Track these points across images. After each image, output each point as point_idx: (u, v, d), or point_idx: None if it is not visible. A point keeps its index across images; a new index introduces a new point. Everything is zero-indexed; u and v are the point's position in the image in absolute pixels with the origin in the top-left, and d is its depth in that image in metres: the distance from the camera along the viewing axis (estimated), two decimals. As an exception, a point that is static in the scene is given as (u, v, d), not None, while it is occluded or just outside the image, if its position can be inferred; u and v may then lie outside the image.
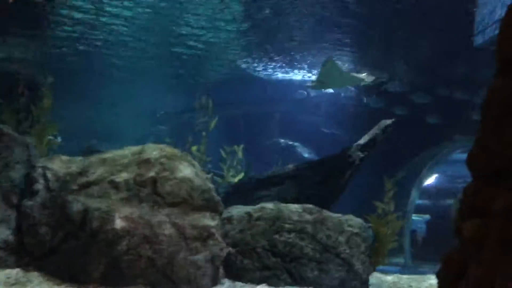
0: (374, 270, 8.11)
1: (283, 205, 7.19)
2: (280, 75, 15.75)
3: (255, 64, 14.82)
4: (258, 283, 6.49)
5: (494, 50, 2.50)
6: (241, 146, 11.00)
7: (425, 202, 17.44)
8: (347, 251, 6.85)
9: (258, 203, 7.40)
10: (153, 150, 6.41)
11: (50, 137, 9.13)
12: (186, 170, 6.27)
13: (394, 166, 12.97)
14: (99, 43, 13.54)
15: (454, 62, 12.86)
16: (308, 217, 6.94)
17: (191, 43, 13.39)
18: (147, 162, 6.18)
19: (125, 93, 17.40)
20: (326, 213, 7.17)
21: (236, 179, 10.44)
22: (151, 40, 13.29)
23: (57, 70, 14.28)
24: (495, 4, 9.52)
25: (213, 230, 6.08)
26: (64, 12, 11.56)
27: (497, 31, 2.53)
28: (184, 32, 12.66)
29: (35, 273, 5.68)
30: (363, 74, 13.32)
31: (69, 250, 5.78)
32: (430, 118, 13.91)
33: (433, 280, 7.31)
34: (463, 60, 12.47)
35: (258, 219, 6.91)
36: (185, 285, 5.76)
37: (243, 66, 15.03)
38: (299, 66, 14.59)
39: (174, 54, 14.33)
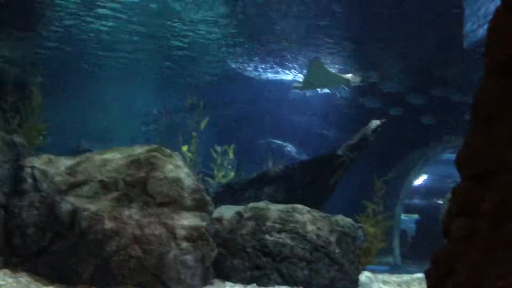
0: (364, 269, 8.16)
1: (273, 205, 7.20)
2: (271, 75, 15.76)
3: (246, 64, 14.82)
4: (248, 283, 6.48)
5: (482, 52, 2.52)
6: (232, 146, 11.00)
7: (415, 201, 17.56)
8: (337, 250, 6.87)
9: (248, 203, 7.39)
10: (143, 150, 6.38)
11: (39, 137, 9.06)
12: (176, 170, 6.25)
13: (385, 166, 13.03)
14: (88, 43, 13.47)
15: (445, 62, 12.96)
16: (298, 217, 6.96)
17: (181, 43, 13.37)
18: (137, 162, 6.15)
19: (114, 93, 17.31)
20: (316, 213, 7.19)
21: (226, 179, 10.43)
22: (141, 40, 13.24)
23: (46, 69, 14.19)
24: (483, 6, 9.61)
25: (203, 230, 6.07)
26: (54, 11, 11.49)
27: (485, 33, 2.56)
28: (174, 31, 12.63)
29: (24, 274, 5.62)
30: (349, 75, 13.35)
31: (58, 251, 5.74)
32: (424, 119, 13.97)
33: (422, 279, 7.35)
34: (454, 60, 12.56)
35: (248, 219, 6.91)
36: (175, 286, 5.74)
37: (234, 66, 15.02)
38: (290, 66, 14.62)
39: (164, 54, 14.29)
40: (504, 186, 2.20)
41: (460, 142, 2.64)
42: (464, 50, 10.79)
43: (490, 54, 2.43)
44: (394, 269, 11.61)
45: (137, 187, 5.97)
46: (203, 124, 10.68)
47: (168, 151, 6.69)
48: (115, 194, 5.90)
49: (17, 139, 6.70)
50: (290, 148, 17.83)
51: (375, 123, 9.45)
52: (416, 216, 17.85)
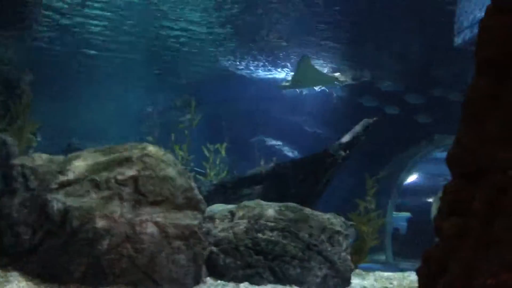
0: (356, 267, 8.19)
1: (265, 203, 7.20)
2: (263, 73, 15.76)
3: (238, 62, 14.81)
4: (241, 281, 6.48)
5: (473, 51, 2.54)
6: (224, 144, 10.98)
7: (406, 200, 17.64)
8: (329, 249, 6.89)
9: (241, 202, 7.39)
10: (134, 149, 6.35)
11: (29, 135, 9.00)
12: (168, 168, 6.23)
13: (377, 165, 13.08)
14: (80, 42, 13.40)
15: (437, 61, 13.02)
16: (290, 215, 6.97)
17: (173, 41, 13.33)
18: (128, 160, 6.13)
19: (106, 92, 17.23)
20: (309, 211, 7.20)
21: (219, 178, 10.42)
22: (133, 39, 13.19)
23: (37, 67, 14.10)
24: (474, 5, 9.66)
25: (196, 229, 6.06)
26: (46, 10, 11.42)
27: (476, 32, 2.57)
28: (165, 30, 12.59)
29: (14, 273, 5.58)
30: (337, 74, 13.35)
31: (49, 250, 5.70)
32: (420, 117, 14.00)
33: (413, 277, 7.40)
34: (446, 59, 12.62)
35: (240, 217, 6.91)
36: (167, 284, 5.73)
37: (226, 64, 15.00)
38: (282, 64, 14.62)
39: (156, 52, 14.25)
40: (495, 185, 2.21)
41: (451, 141, 2.64)
42: (458, 49, 10.85)
43: (481, 53, 2.45)
44: (386, 266, 11.66)
45: (129, 186, 5.94)
46: (195, 123, 10.66)
47: (160, 149, 6.67)
48: (106, 192, 5.86)
49: (7, 138, 6.65)
50: (282, 146, 17.84)
51: (367, 121, 9.47)
52: (407, 214, 17.94)
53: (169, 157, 6.57)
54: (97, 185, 5.91)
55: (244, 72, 15.58)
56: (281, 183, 8.99)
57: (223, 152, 10.92)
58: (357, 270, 8.17)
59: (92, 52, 14.31)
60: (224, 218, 6.95)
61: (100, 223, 5.60)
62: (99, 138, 15.26)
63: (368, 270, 8.71)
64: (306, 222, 6.95)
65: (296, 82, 12.08)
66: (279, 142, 17.87)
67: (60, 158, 6.44)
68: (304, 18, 11.45)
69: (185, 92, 11.30)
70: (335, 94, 14.80)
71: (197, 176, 10.13)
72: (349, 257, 7.21)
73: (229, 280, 6.47)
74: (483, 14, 2.49)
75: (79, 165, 6.15)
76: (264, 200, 7.40)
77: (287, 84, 12.64)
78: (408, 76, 13.84)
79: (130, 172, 6.04)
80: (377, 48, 13.15)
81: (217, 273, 6.55)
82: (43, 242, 5.73)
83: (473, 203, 2.28)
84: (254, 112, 17.27)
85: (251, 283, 6.46)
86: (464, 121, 2.48)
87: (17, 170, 6.13)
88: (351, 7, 10.87)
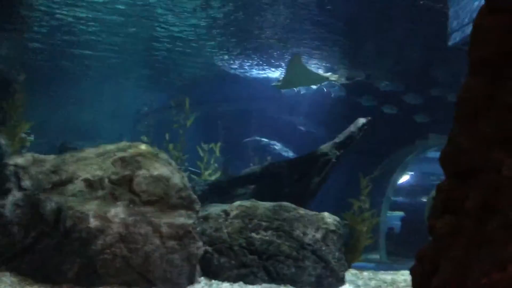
0: (350, 266, 8.21)
1: (260, 203, 7.19)
2: (258, 73, 15.74)
3: (232, 62, 14.79)
4: (235, 281, 6.48)
5: (467, 51, 2.54)
6: (219, 144, 10.97)
7: (400, 199, 17.69)
8: (323, 248, 6.90)
9: (235, 201, 7.38)
10: (128, 148, 6.33)
11: (23, 135, 8.95)
12: (162, 168, 6.22)
13: (371, 164, 13.10)
14: (73, 41, 13.34)
15: (432, 61, 13.05)
16: (285, 215, 6.97)
17: (166, 40, 13.30)
18: (122, 160, 6.11)
19: (101, 91, 17.18)
20: (303, 210, 7.21)
21: (213, 177, 10.41)
22: (126, 38, 13.14)
23: (31, 67, 14.04)
24: (468, 5, 9.70)
25: (190, 229, 6.05)
26: (39, 9, 11.36)
27: (469, 32, 2.58)
28: (158, 29, 12.56)
29: (7, 274, 5.55)
30: (328, 73, 13.33)
31: (42, 250, 5.67)
32: (417, 117, 14.02)
33: (407, 276, 7.42)
34: (442, 59, 12.66)
35: (235, 217, 6.90)
36: (161, 284, 5.71)
37: (220, 63, 14.99)
38: (276, 63, 14.61)
39: (150, 52, 14.21)
40: (488, 185, 2.22)
41: (445, 140, 2.65)
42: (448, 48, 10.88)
43: (475, 53, 2.46)
44: (380, 266, 11.69)
45: (123, 186, 5.92)
46: (189, 122, 10.64)
47: (154, 149, 6.66)
48: (100, 192, 5.84)
49: (0, 137, 6.61)
50: (277, 146, 17.85)
51: (361, 121, 9.49)
52: (401, 213, 17.99)
53: (164, 156, 6.56)
54: (90, 185, 5.89)
55: (238, 72, 15.56)
56: (275, 183, 8.99)
57: (217, 152, 10.91)
58: (351, 269, 8.19)
59: (87, 52, 14.25)
60: (218, 218, 6.95)
61: (94, 223, 5.58)
62: (94, 138, 15.21)
63: (362, 269, 8.73)
64: (300, 222, 6.96)
65: (287, 82, 12.00)
66: (273, 142, 17.87)
67: (54, 157, 6.40)
68: (297, 17, 11.44)
69: (179, 92, 11.26)
70: (333, 94, 14.79)
71: (192, 175, 10.11)
72: (343, 256, 7.23)
73: (223, 280, 6.46)
74: (476, 14, 2.50)
75: (73, 164, 6.13)
76: (259, 199, 7.40)
77: (278, 84, 12.57)
78: (403, 75, 13.87)
79: (124, 171, 6.02)
80: (371, 48, 13.17)
81: (211, 273, 6.54)
82: (37, 242, 5.70)
83: (466, 202, 2.29)
84: (249, 112, 17.26)
85: (246, 282, 6.46)
86: (457, 120, 2.49)
87: (10, 169, 6.09)
88: (345, 6, 10.88)
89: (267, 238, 6.72)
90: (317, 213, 7.31)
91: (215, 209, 7.20)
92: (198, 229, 6.42)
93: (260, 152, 15.83)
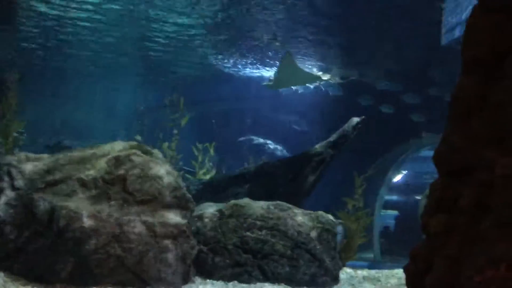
0: (344, 265, 8.22)
1: (254, 202, 7.20)
2: (252, 72, 15.74)
3: (226, 61, 14.78)
4: (230, 280, 6.48)
5: (460, 50, 2.55)
6: (213, 143, 10.96)
7: (394, 198, 17.74)
8: (318, 247, 6.91)
9: (229, 200, 7.38)
10: (122, 148, 6.31)
11: (16, 134, 8.90)
12: (156, 167, 6.20)
13: (365, 163, 13.13)
14: (67, 40, 13.28)
15: (427, 60, 13.10)
16: (279, 214, 6.97)
17: (161, 39, 13.27)
18: (116, 159, 6.08)
19: (95, 90, 17.13)
20: (297, 209, 7.21)
21: (207, 176, 10.40)
22: (120, 38, 13.10)
23: (25, 66, 13.96)
24: (461, 5, 9.74)
25: (184, 228, 6.04)
26: (33, 7, 11.30)
27: (463, 31, 2.59)
28: (152, 28, 12.53)
29: (0, 273, 5.52)
30: (320, 73, 13.32)
31: (35, 250, 5.64)
32: (414, 116, 14.05)
33: (401, 274, 7.44)
34: (432, 58, 12.71)
35: (229, 216, 6.90)
36: (156, 284, 5.70)
37: (214, 62, 14.97)
38: (271, 62, 14.61)
39: (145, 51, 14.18)
40: (481, 183, 2.23)
41: (439, 139, 2.67)
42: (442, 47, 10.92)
43: (468, 52, 2.47)
44: (374, 264, 11.73)
45: (117, 185, 5.90)
46: (183, 122, 10.62)
47: (148, 148, 6.64)
48: (94, 192, 5.82)
49: (-7, 136, 6.57)
50: (272, 145, 17.85)
51: (355, 120, 9.51)
52: (394, 212, 18.04)
53: (158, 156, 6.54)
54: (84, 184, 5.87)
55: (231, 70, 15.55)
56: (270, 182, 8.99)
57: (212, 151, 10.90)
58: (345, 268, 8.21)
59: (81, 51, 14.20)
60: (213, 217, 6.94)
61: (88, 223, 5.56)
62: (88, 137, 15.17)
63: (356, 268, 8.75)
64: (294, 221, 6.96)
65: (278, 81, 11.91)
66: (268, 141, 17.88)
67: (47, 157, 6.37)
68: (291, 16, 11.45)
69: (174, 91, 11.23)
70: (331, 93, 14.78)
71: (186, 175, 10.10)
72: (337, 255, 7.24)
73: (218, 279, 6.46)
74: (469, 13, 2.51)
75: (66, 164, 6.10)
76: (253, 198, 7.40)
77: (269, 83, 12.48)
78: (399, 75, 13.91)
79: (118, 171, 6.00)
80: (366, 47, 13.20)
81: (206, 272, 6.54)
82: (30, 242, 5.67)
83: (459, 201, 2.30)
84: (244, 111, 17.26)
85: (240, 281, 6.46)
86: (451, 119, 2.50)
87: (3, 169, 6.06)
88: (339, 5, 10.90)
89: (261, 237, 6.72)
90: (311, 212, 7.32)
91: (210, 208, 7.19)
92: (192, 228, 6.41)
93: (255, 152, 15.83)
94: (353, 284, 7.21)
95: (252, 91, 16.53)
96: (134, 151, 6.24)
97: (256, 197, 7.56)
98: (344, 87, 14.61)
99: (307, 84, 14.21)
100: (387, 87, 14.12)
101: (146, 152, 6.36)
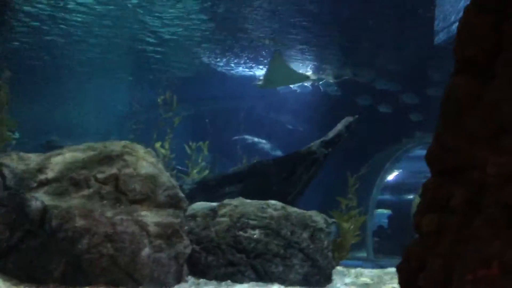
0: (338, 264, 8.24)
1: (248, 201, 7.19)
2: (244, 70, 15.73)
3: (218, 59, 14.76)
4: (223, 279, 6.47)
5: (452, 49, 2.56)
6: (207, 142, 10.94)
7: (387, 197, 17.78)
8: (311, 246, 6.92)
9: (223, 200, 7.37)
10: (115, 147, 6.29)
11: (8, 133, 8.85)
12: (149, 167, 6.18)
13: (358, 162, 13.16)
14: (59, 38, 13.21)
15: (418, 59, 13.14)
16: (272, 213, 6.97)
17: (153, 38, 13.23)
18: (108, 158, 6.06)
19: (87, 89, 17.04)
20: (291, 209, 7.22)
21: (201, 176, 10.37)
22: (113, 35, 13.04)
23: (15, 64, 13.85)
24: (454, 4, 9.78)
25: (177, 227, 6.02)
26: (24, 6, 11.23)
27: (455, 30, 2.60)
28: (146, 26, 12.48)
29: (-8, 274, 5.48)
30: (310, 72, 13.31)
31: (27, 250, 5.61)
32: (412, 115, 14.10)
33: (394, 273, 7.47)
34: (427, 57, 12.75)
35: (222, 215, 6.89)
36: (148, 284, 5.68)
37: (207, 61, 14.95)
38: (265, 61, 14.61)
39: (137, 49, 14.13)
40: (473, 182, 2.24)
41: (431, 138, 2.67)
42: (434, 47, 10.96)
43: (461, 51, 2.47)
44: (367, 263, 11.76)
45: (109, 184, 5.88)
46: (177, 121, 10.59)
47: (141, 147, 6.61)
48: (86, 191, 5.79)
49: (-16, 135, 6.52)
50: (265, 144, 17.85)
51: (349, 119, 9.53)
52: (387, 211, 18.10)
53: (151, 155, 6.52)
54: (76, 184, 5.84)
55: (224, 69, 15.53)
56: (263, 181, 8.99)
57: (205, 150, 10.87)
58: (338, 267, 8.22)
59: (73, 49, 14.12)
60: (206, 216, 6.93)
61: (80, 222, 5.53)
62: (80, 136, 15.10)
63: (349, 267, 8.77)
64: (288, 220, 6.96)
65: (268, 81, 11.85)
66: (262, 140, 17.87)
67: (39, 156, 6.33)
68: (285, 15, 11.45)
69: (167, 90, 11.20)
70: (330, 93, 14.76)
71: (179, 174, 10.07)
72: (330, 254, 7.25)
73: (211, 279, 6.45)
74: (462, 12, 2.51)
75: (59, 163, 6.07)
76: (246, 197, 7.39)
77: (259, 83, 12.41)
78: (395, 74, 13.95)
79: (111, 170, 5.97)
80: (360, 46, 13.23)
81: (199, 272, 6.53)
82: (22, 242, 5.64)
83: (452, 200, 2.30)
84: (237, 110, 17.23)
85: (233, 281, 6.46)
86: (443, 119, 2.51)
87: (-5, 168, 6.01)
88: (333, 5, 10.92)
89: (255, 236, 6.72)
90: (304, 211, 7.32)
91: (203, 207, 7.18)
92: (185, 227, 6.40)
93: (248, 151, 15.82)
94: (346, 283, 7.23)
95: (245, 90, 16.51)
96: (126, 150, 6.21)
97: (249, 196, 7.55)
98: (339, 86, 14.63)
99: (294, 84, 14.19)
100: (383, 86, 14.16)
101: (138, 151, 6.34)
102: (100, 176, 5.90)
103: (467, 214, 2.22)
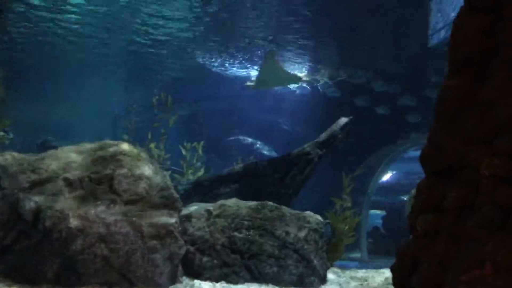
0: (332, 265, 8.25)
1: (242, 202, 7.19)
2: (239, 71, 15.73)
3: (213, 59, 14.75)
4: (217, 280, 6.46)
5: (447, 51, 2.57)
6: (201, 143, 10.92)
7: (381, 198, 17.84)
8: (306, 247, 6.92)
9: (217, 200, 7.36)
10: (109, 147, 6.26)
11: (1, 133, 8.80)
12: (143, 167, 6.16)
13: (353, 163, 13.19)
14: (54, 38, 13.17)
15: (408, 60, 13.20)
16: (267, 214, 6.97)
17: (148, 39, 13.21)
18: (103, 159, 6.04)
19: (82, 90, 16.99)
20: (285, 209, 7.21)
21: (195, 176, 10.36)
22: (108, 36, 13.01)
23: (10, 64, 13.79)
24: (448, 6, 9.82)
25: (172, 228, 6.01)
26: (18, 5, 11.19)
27: (449, 33, 2.61)
28: (140, 28, 12.46)
29: (-15, 275, 5.45)
30: (301, 74, 13.30)
31: (21, 250, 5.58)
32: (410, 117, 14.14)
33: (388, 274, 7.48)
34: (417, 59, 12.81)
35: (217, 216, 6.88)
36: (143, 284, 5.67)
37: (201, 61, 14.93)
38: (260, 62, 14.61)
39: (131, 50, 14.10)
40: (466, 183, 2.25)
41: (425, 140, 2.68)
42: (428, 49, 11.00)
43: (455, 53, 2.48)
44: (362, 264, 11.78)
45: (103, 185, 5.86)
46: (171, 121, 10.57)
47: (136, 148, 6.59)
48: (80, 192, 5.77)
49: (-22, 135, 6.48)
50: (260, 145, 17.85)
51: (344, 120, 9.54)
52: (381, 212, 18.15)
53: (145, 155, 6.50)
54: (70, 184, 5.81)
55: (218, 69, 15.52)
56: (258, 182, 8.99)
57: (200, 151, 10.86)
58: (333, 268, 8.23)
59: (68, 49, 14.07)
60: (200, 217, 6.91)
61: (74, 223, 5.51)
62: (74, 136, 15.05)
63: (344, 267, 8.78)
64: (282, 221, 6.96)
65: (260, 82, 11.77)
66: (257, 141, 17.87)
67: (33, 156, 6.30)
68: (280, 16, 11.46)
69: (162, 90, 11.17)
70: (329, 95, 14.76)
71: (174, 174, 10.04)
72: (325, 255, 7.26)
73: (205, 279, 6.44)
74: (456, 14, 2.52)
75: (53, 163, 6.04)
76: (241, 198, 7.39)
77: (251, 84, 12.33)
78: (391, 75, 14.00)
79: (105, 170, 5.95)
80: (355, 48, 13.27)
81: (194, 273, 6.51)
82: (16, 243, 5.61)
83: (445, 201, 2.31)
84: (232, 111, 17.22)
85: (228, 282, 6.45)
86: (437, 120, 2.52)
87: (-12, 168, 5.98)
88: (328, 7, 10.94)
89: (249, 237, 6.71)
90: (299, 212, 7.33)
91: (198, 208, 7.16)
92: (180, 228, 6.38)
93: (243, 151, 15.82)
94: (340, 284, 7.23)
95: (241, 90, 16.49)
96: (121, 150, 6.19)
97: (244, 197, 7.55)
98: (337, 88, 14.66)
99: (286, 85, 14.17)
100: (380, 88, 14.19)
101: (133, 152, 6.32)
102: (94, 176, 5.88)
103: (461, 214, 2.23)
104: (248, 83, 12.40)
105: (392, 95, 14.21)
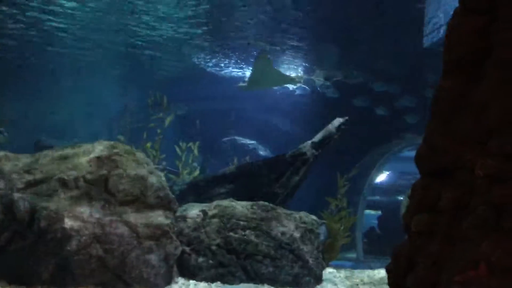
0: (328, 265, 8.26)
1: (238, 202, 7.19)
2: (235, 71, 15.71)
3: (208, 59, 14.73)
4: (213, 281, 6.46)
5: (442, 52, 2.58)
6: (197, 143, 10.91)
7: (376, 198, 17.87)
8: (301, 247, 6.92)
9: (213, 201, 7.36)
10: (104, 147, 6.24)
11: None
12: (139, 167, 6.15)
13: (348, 163, 13.20)
14: (47, 38, 13.12)
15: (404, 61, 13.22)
16: (263, 214, 6.97)
17: (143, 39, 13.18)
18: (98, 159, 6.01)
19: (77, 90, 16.92)
20: (281, 210, 7.22)
21: (191, 177, 10.35)
22: (103, 35, 12.98)
23: (3, 63, 13.73)
24: (443, 7, 9.85)
25: (167, 229, 6.00)
26: (10, 5, 11.14)
27: (444, 33, 2.62)
28: (136, 27, 12.43)
29: (-21, 276, 5.43)
30: (294, 74, 13.26)
31: (16, 251, 5.56)
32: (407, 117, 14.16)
33: (383, 273, 7.49)
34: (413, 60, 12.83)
35: (213, 216, 6.88)
36: (138, 285, 5.65)
37: (197, 62, 14.91)
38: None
39: (127, 50, 14.07)
40: (461, 183, 2.25)
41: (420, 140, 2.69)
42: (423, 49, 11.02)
43: (450, 53, 2.49)
44: (357, 264, 11.80)
45: (98, 185, 5.84)
46: (167, 121, 10.54)
47: (131, 148, 6.58)
48: (75, 192, 5.75)
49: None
50: (256, 145, 17.83)
51: (339, 120, 9.55)
52: (377, 212, 18.19)
53: (140, 156, 6.49)
54: (65, 184, 5.79)
55: (213, 70, 15.49)
56: (253, 182, 8.99)
57: (195, 151, 10.84)
58: (329, 268, 8.24)
59: (63, 49, 14.02)
60: (196, 217, 6.91)
61: (69, 223, 5.49)
62: (69, 136, 14.99)
63: (340, 267, 8.80)
64: (278, 221, 6.97)
65: (252, 82, 11.66)
66: (252, 141, 17.85)
67: (28, 156, 6.27)
68: (276, 17, 11.46)
69: (157, 90, 11.14)
70: (328, 95, 14.75)
71: (169, 175, 10.02)
72: (320, 255, 7.27)
73: (201, 280, 6.43)
74: (450, 15, 2.53)
75: (47, 163, 6.01)
76: (237, 199, 7.39)
77: (243, 85, 12.21)
78: (388, 75, 14.01)
79: (100, 171, 5.93)
80: (350, 48, 13.27)
81: (189, 273, 6.51)
82: (10, 243, 5.58)
83: (440, 201, 2.32)
84: (228, 111, 17.19)
85: (224, 282, 6.44)
86: (432, 120, 2.53)
87: (-18, 169, 5.95)
88: (323, 6, 10.94)
89: (245, 237, 6.71)
90: (295, 212, 7.33)
91: (193, 208, 7.16)
92: (175, 229, 6.38)
93: (239, 152, 15.80)
94: (336, 284, 7.24)
95: (237, 91, 16.47)
96: (116, 150, 6.18)
97: (239, 197, 7.55)
98: (335, 88, 14.66)
99: (278, 86, 14.14)
100: (379, 88, 14.20)
101: (128, 152, 6.30)
102: (89, 177, 5.86)
103: (456, 215, 2.24)
104: (241, 84, 12.31)
105: (391, 95, 14.22)
